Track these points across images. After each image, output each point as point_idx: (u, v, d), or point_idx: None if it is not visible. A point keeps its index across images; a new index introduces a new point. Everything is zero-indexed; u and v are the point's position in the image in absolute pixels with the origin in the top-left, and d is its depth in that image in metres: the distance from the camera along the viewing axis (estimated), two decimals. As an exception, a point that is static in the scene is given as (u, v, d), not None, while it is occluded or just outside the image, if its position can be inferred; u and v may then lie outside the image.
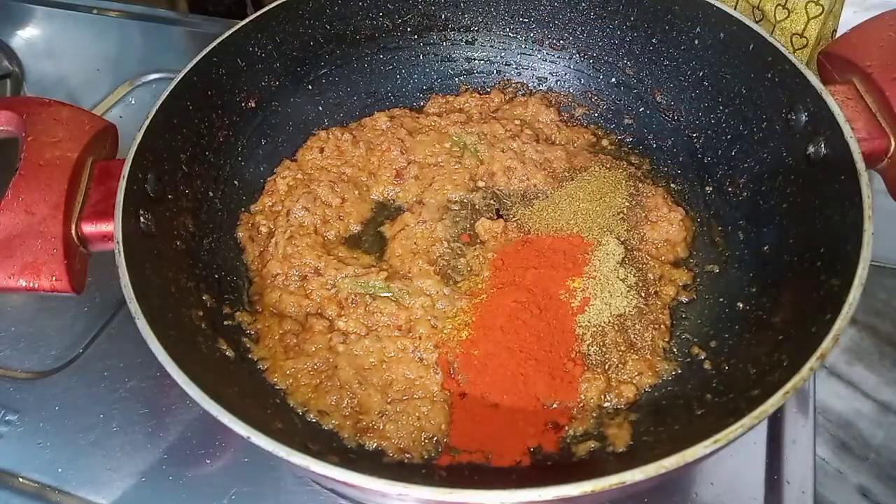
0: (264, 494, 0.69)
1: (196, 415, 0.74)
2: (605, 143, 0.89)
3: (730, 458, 0.68)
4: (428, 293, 0.73)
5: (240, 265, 0.78)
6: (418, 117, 0.92)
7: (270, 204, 0.82)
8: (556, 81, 0.94)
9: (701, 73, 0.80)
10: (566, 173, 0.84)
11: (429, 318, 0.71)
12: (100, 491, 0.70)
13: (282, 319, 0.73)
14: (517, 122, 0.89)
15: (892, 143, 0.64)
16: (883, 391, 1.49)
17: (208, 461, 0.71)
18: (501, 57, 0.95)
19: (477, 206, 0.83)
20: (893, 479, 1.40)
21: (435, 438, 0.64)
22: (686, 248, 0.78)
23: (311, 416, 0.65)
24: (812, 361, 0.50)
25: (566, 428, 0.65)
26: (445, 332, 0.71)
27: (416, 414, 0.65)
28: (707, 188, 0.81)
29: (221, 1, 1.48)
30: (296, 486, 0.69)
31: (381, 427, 0.64)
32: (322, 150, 0.87)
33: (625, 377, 0.68)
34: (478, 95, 0.94)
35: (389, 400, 0.66)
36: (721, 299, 0.73)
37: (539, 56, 0.94)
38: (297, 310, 0.73)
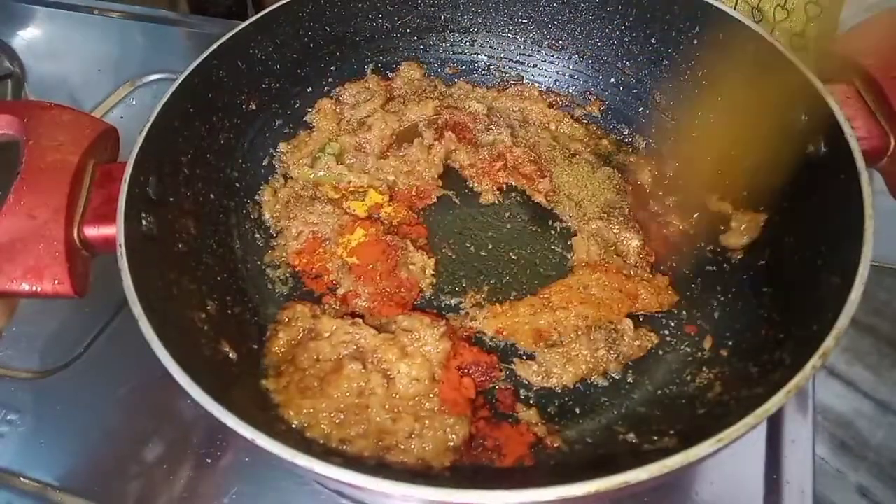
0: (265, 494, 0.69)
1: (196, 415, 0.74)
2: (605, 142, 0.89)
3: (729, 458, 0.68)
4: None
5: (241, 267, 0.79)
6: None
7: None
8: (556, 82, 0.94)
9: (700, 73, 0.81)
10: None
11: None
12: (101, 490, 0.70)
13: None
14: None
15: (892, 141, 0.64)
16: (882, 391, 1.49)
17: (209, 461, 0.71)
18: (501, 58, 0.95)
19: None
20: (893, 479, 1.40)
21: (454, 447, 0.63)
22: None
23: (333, 444, 0.61)
24: (814, 360, 0.50)
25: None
26: None
27: (443, 428, 0.63)
28: (707, 187, 0.81)
29: (222, 2, 1.48)
30: (297, 485, 0.70)
31: (408, 447, 0.62)
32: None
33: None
34: (478, 96, 0.94)
35: (419, 420, 0.63)
36: (721, 298, 0.73)
37: (538, 57, 0.94)
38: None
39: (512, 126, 0.88)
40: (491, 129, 0.87)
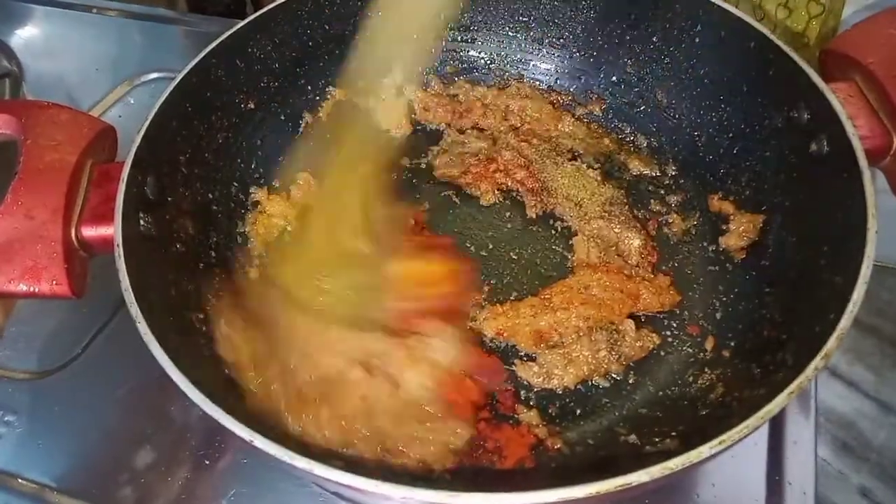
0: (263, 496, 0.69)
1: (195, 416, 0.74)
2: (606, 141, 0.89)
3: (731, 459, 0.68)
4: None
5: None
6: (418, 118, 0.91)
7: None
8: (557, 80, 0.93)
9: (702, 72, 0.80)
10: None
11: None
12: (98, 492, 0.70)
13: None
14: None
15: (895, 140, 0.64)
16: (884, 392, 1.49)
17: (207, 462, 0.71)
18: (501, 56, 0.95)
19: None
20: (895, 480, 1.40)
21: (455, 449, 0.63)
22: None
23: (333, 446, 0.61)
24: (817, 361, 0.50)
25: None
26: None
27: (445, 431, 0.63)
28: (709, 187, 0.81)
29: (220, 1, 1.48)
30: (295, 487, 0.69)
31: (409, 450, 0.61)
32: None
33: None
34: (478, 95, 0.94)
35: (421, 424, 0.63)
36: (724, 298, 0.73)
37: (539, 55, 0.94)
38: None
39: (505, 129, 0.88)
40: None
